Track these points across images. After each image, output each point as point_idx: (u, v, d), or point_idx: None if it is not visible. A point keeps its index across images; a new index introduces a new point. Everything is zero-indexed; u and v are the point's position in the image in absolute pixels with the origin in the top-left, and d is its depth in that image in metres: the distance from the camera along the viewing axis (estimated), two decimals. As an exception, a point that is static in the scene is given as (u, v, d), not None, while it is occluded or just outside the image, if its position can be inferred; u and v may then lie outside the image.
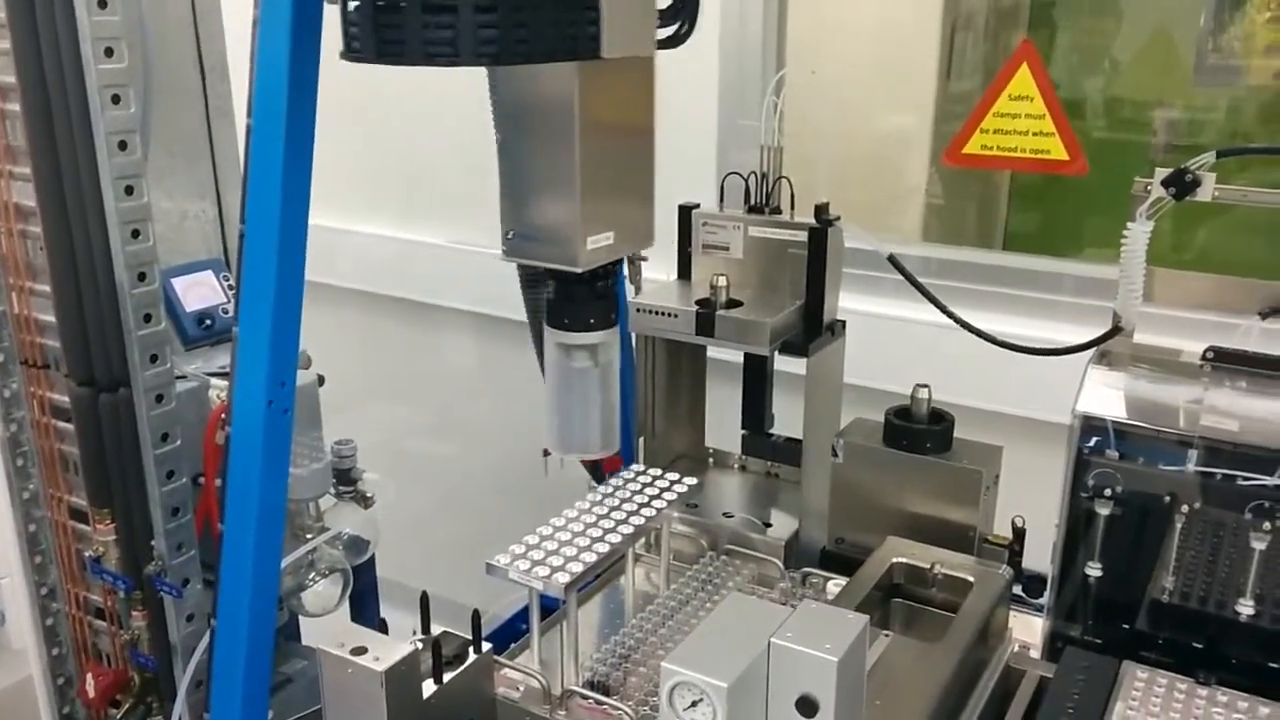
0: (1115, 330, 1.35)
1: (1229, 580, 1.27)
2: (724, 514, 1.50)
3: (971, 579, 1.31)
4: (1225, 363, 1.30)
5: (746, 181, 1.58)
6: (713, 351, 1.64)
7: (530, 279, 1.75)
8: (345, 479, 1.59)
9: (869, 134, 2.43)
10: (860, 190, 2.38)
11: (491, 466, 2.55)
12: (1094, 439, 1.29)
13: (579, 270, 1.10)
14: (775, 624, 0.92)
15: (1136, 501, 1.29)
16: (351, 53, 0.96)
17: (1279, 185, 1.29)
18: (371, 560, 1.61)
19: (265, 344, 1.07)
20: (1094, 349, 1.36)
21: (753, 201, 1.58)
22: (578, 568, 1.19)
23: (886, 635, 1.21)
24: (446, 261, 2.48)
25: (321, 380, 1.52)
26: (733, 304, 1.50)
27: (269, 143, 1.00)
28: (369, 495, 1.58)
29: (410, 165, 2.53)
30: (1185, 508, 1.26)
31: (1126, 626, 1.34)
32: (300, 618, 1.65)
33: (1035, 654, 1.38)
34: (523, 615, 1.41)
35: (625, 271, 1.71)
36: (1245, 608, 1.26)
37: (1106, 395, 1.31)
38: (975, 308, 1.51)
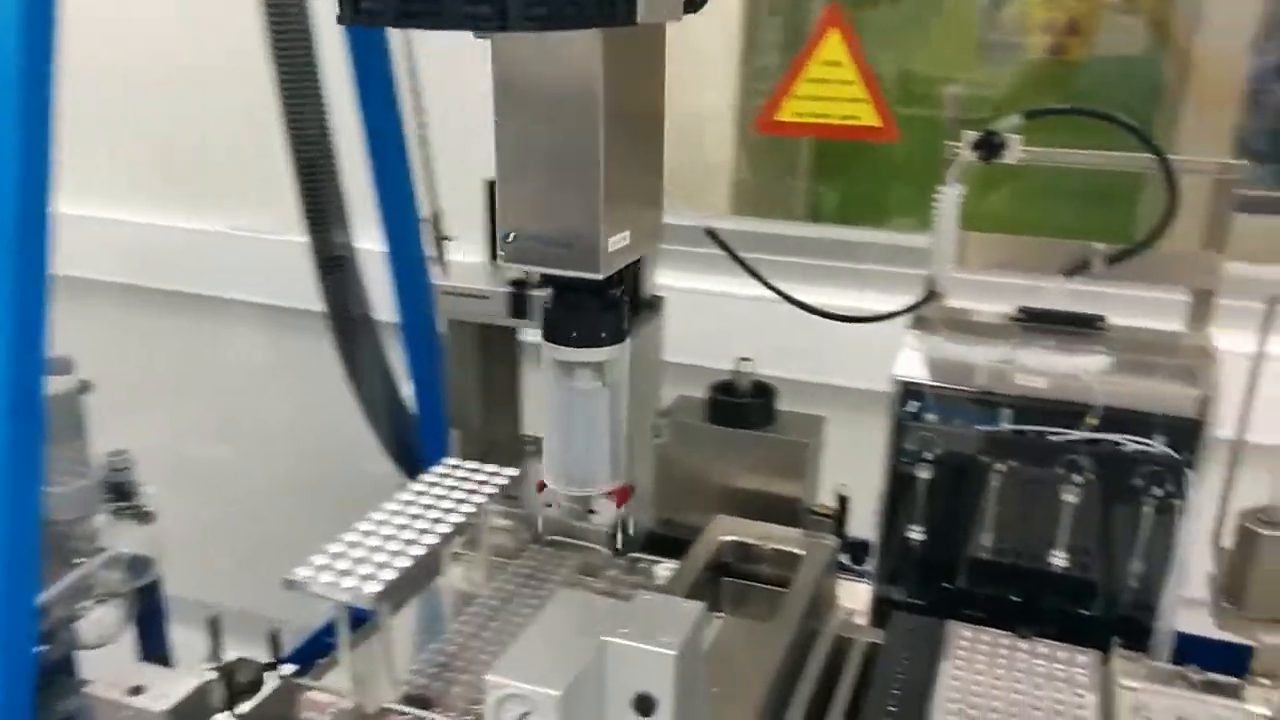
0: (930, 295, 1.36)
1: (1043, 534, 1.30)
2: (545, 504, 1.42)
3: (800, 552, 1.29)
4: (1034, 322, 1.33)
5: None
6: (527, 334, 1.56)
7: (328, 264, 1.62)
8: (121, 493, 1.42)
9: (673, 109, 2.39)
10: (669, 162, 2.34)
11: (291, 470, 2.38)
12: (912, 404, 1.29)
13: (599, 277, 0.95)
14: (606, 621, 0.86)
15: (954, 463, 1.29)
16: (360, 14, 0.82)
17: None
18: (155, 582, 1.45)
19: (5, 348, 0.92)
20: (910, 315, 1.36)
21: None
22: (389, 575, 1.08)
23: (719, 617, 1.17)
24: (228, 250, 2.29)
25: (86, 387, 1.34)
26: (545, 285, 1.41)
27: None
28: (149, 510, 1.42)
29: (180, 145, 2.32)
30: (1001, 466, 1.28)
31: (949, 587, 1.35)
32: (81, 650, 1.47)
33: (863, 621, 1.38)
34: (332, 628, 1.29)
35: (432, 253, 1.61)
36: (1059, 559, 1.29)
37: (923, 360, 1.31)
38: (789, 279, 1.49)
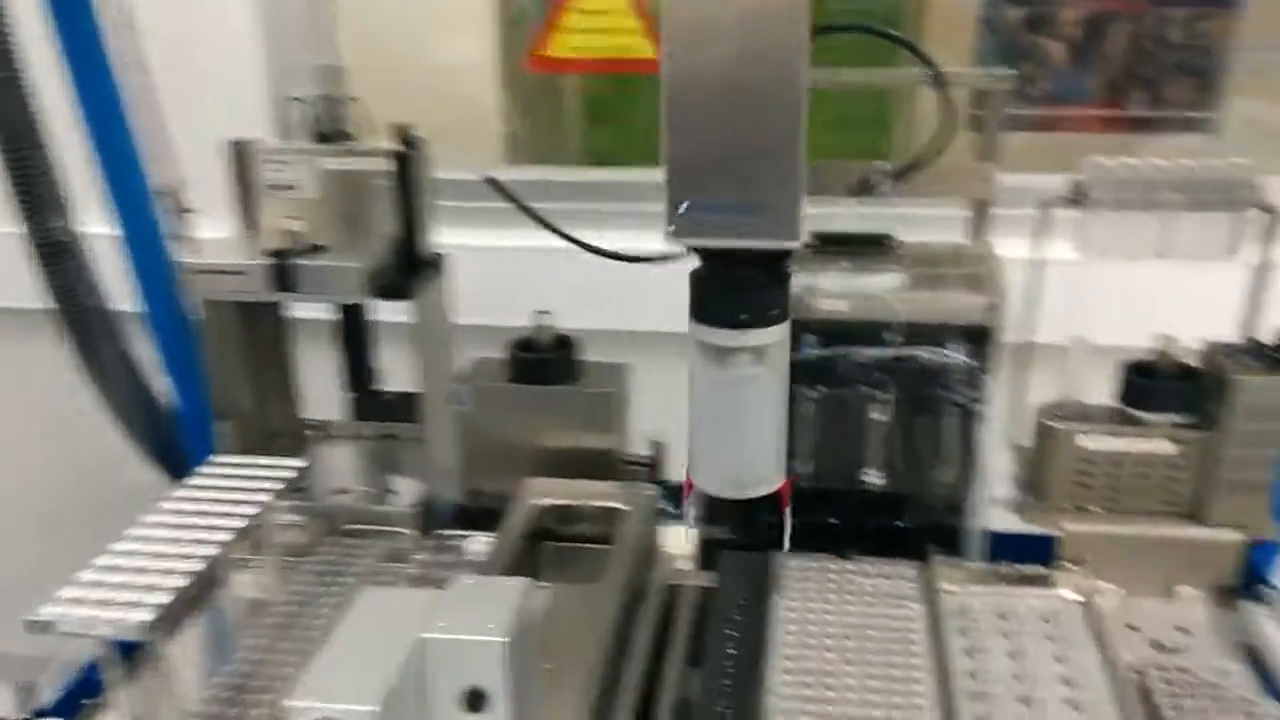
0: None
1: (856, 455, 1.30)
2: (337, 491, 1.30)
3: (620, 506, 1.23)
4: (828, 246, 1.32)
5: (310, 107, 1.35)
6: (297, 309, 1.41)
7: (49, 253, 1.40)
8: None
9: (431, 60, 2.26)
10: (432, 117, 2.21)
11: (37, 491, 2.11)
12: (717, 339, 1.25)
13: (798, 245, 0.84)
14: (419, 615, 0.76)
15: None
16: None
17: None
18: None
19: None
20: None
21: (321, 129, 1.35)
22: (160, 598, 0.94)
23: (544, 587, 1.09)
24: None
25: None
26: (312, 251, 1.28)
27: None
28: None
29: None
30: (811, 392, 1.26)
31: (771, 520, 1.33)
32: None
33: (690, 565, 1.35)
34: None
35: (173, 229, 1.43)
36: (873, 477, 1.29)
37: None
38: (574, 227, 1.41)
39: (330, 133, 1.32)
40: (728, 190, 0.82)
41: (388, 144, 1.27)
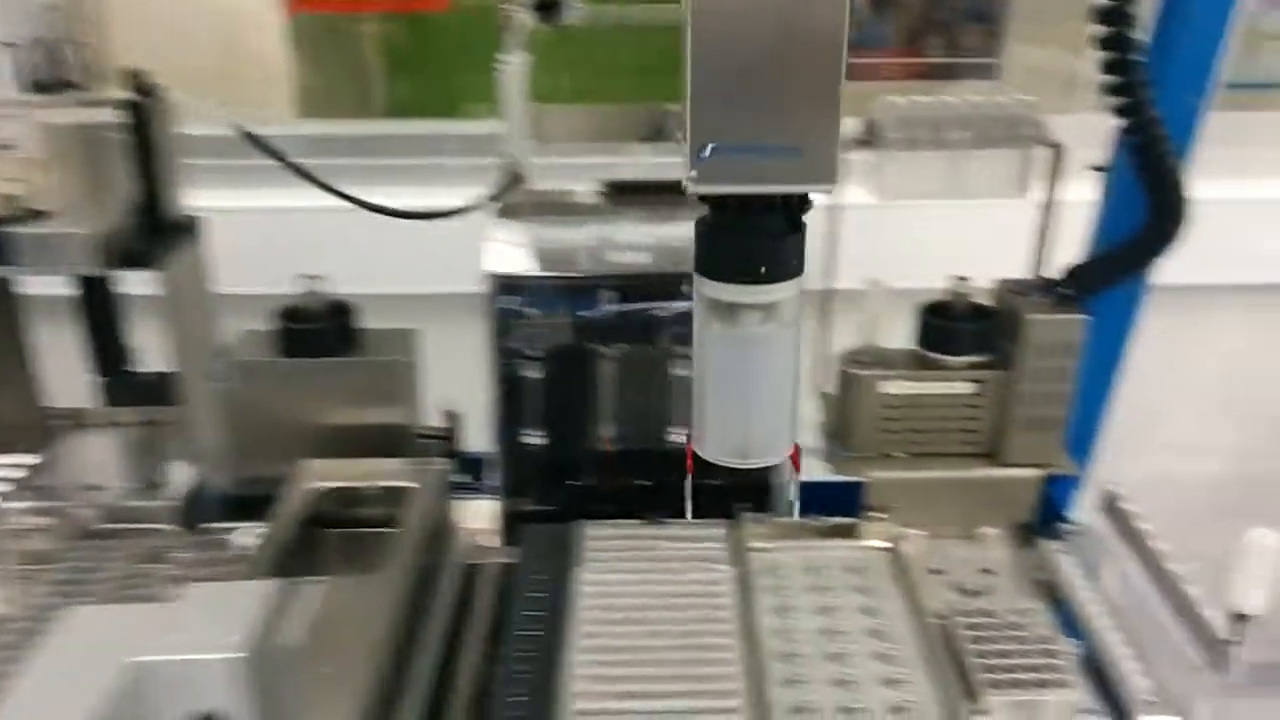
0: (512, 179, 1.22)
1: (661, 413, 1.24)
2: (89, 487, 1.15)
3: (408, 484, 1.14)
4: (621, 194, 1.24)
5: (26, 52, 1.17)
6: (33, 285, 1.24)
7: None
8: None
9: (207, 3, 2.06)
10: (222, 69, 2.02)
11: None
12: (507, 299, 1.17)
13: (831, 189, 0.76)
14: (139, 634, 0.66)
15: (562, 355, 1.20)
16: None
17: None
18: None
19: None
20: (495, 205, 1.22)
21: (39, 77, 1.18)
22: None
23: (318, 582, 0.99)
24: None
25: None
26: (35, 217, 1.12)
27: None
28: None
29: None
30: (611, 351, 1.19)
31: (577, 487, 1.27)
32: None
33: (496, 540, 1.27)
34: None
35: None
36: (680, 435, 1.24)
37: (514, 251, 1.18)
38: (364, 183, 1.29)
39: (49, 81, 1.15)
40: (759, 131, 0.74)
41: (119, 93, 1.12)
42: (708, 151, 0.75)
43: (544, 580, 1.10)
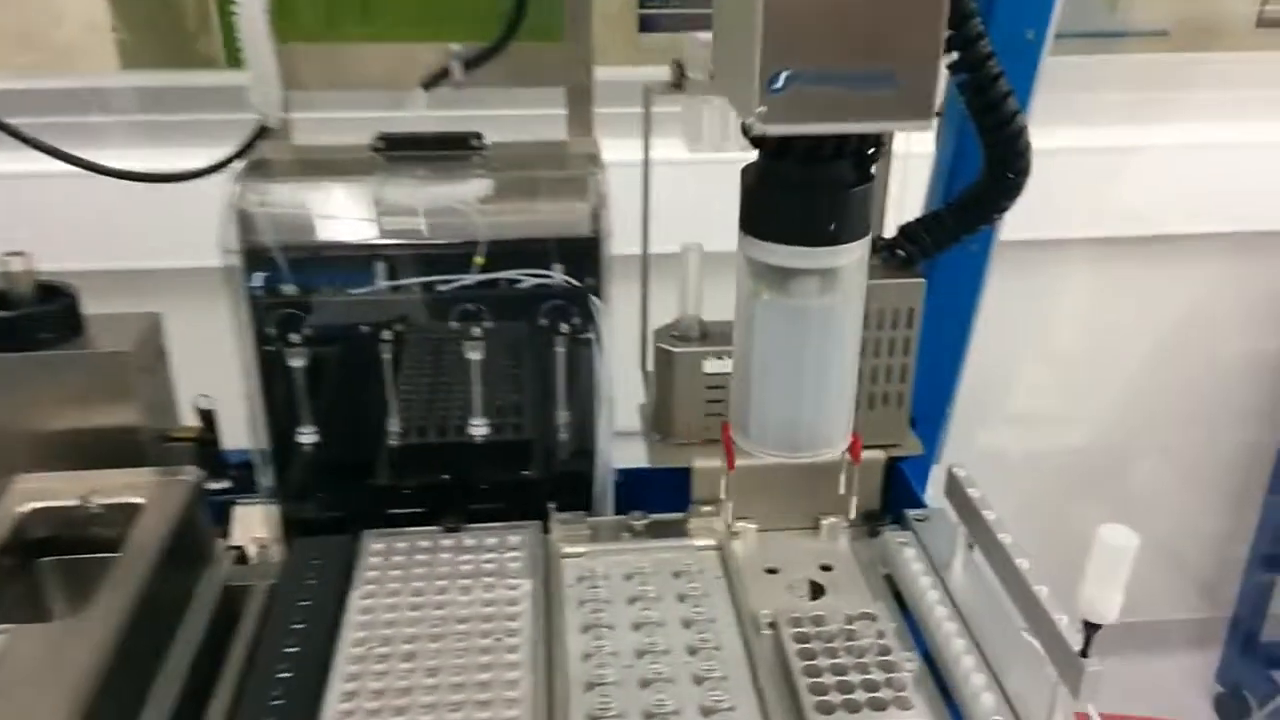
0: (261, 132, 1.03)
1: (457, 402, 1.08)
2: None
3: (139, 500, 0.94)
4: (398, 150, 1.07)
5: None
6: None
7: None
8: None
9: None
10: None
11: None
12: (263, 274, 0.99)
13: (930, 127, 0.62)
14: None
15: (333, 338, 1.02)
16: None
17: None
18: None
19: None
20: (244, 164, 1.03)
21: None
22: None
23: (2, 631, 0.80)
24: None
25: None
26: None
27: None
28: None
29: None
30: (388, 332, 1.02)
31: (366, 490, 1.10)
32: None
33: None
34: None
35: None
36: (479, 428, 1.08)
37: (267, 217, 0.99)
38: (96, 145, 1.08)
39: None
40: (847, 54, 0.60)
41: None
42: (781, 80, 0.60)
43: (307, 606, 0.93)
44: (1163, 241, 1.87)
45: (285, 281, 0.99)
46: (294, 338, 1.00)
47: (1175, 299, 1.95)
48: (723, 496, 1.01)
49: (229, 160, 1.00)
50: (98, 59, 1.90)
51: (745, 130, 0.65)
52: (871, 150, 0.68)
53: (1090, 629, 0.78)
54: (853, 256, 0.70)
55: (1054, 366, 1.98)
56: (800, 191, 0.68)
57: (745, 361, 0.75)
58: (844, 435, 0.77)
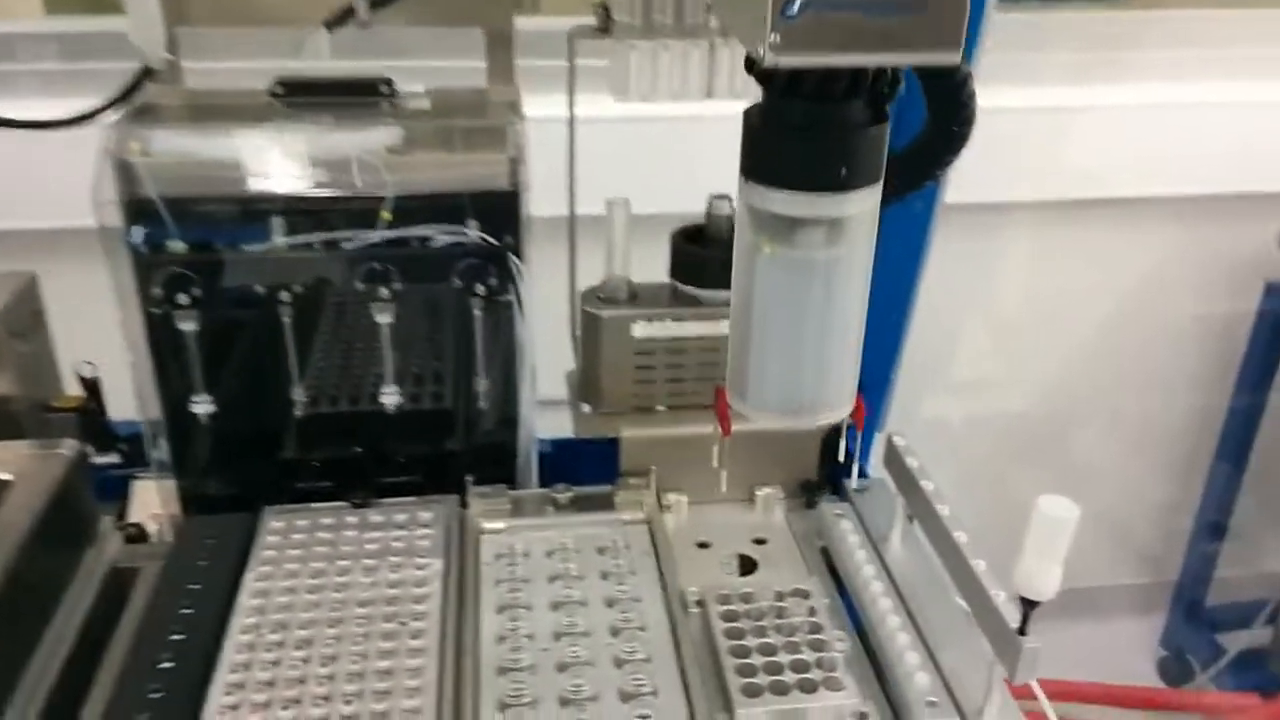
0: (145, 74, 0.94)
1: (367, 368, 1.01)
2: None
3: (7, 476, 0.87)
4: (299, 96, 0.98)
5: None
6: None
7: None
8: None
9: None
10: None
11: None
12: (145, 231, 0.90)
13: (957, 60, 0.55)
14: None
15: (227, 300, 0.94)
16: None
17: None
18: None
19: None
20: (123, 110, 0.94)
21: None
22: None
23: None
24: None
25: None
26: None
27: None
28: None
29: None
30: (287, 294, 0.94)
31: (270, 463, 1.02)
32: None
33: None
34: None
35: None
36: (390, 396, 1.01)
37: (149, 166, 0.90)
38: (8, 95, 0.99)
39: None
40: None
41: None
42: (797, 6, 0.54)
43: (196, 590, 0.86)
44: (1110, 205, 1.83)
45: (171, 237, 0.91)
46: (183, 299, 0.92)
47: (1122, 264, 1.92)
48: (715, 464, 0.94)
49: (107, 106, 0.91)
50: (24, 3, 1.79)
51: (750, 65, 0.60)
52: (887, 88, 0.62)
53: (1028, 605, 0.73)
54: (861, 205, 0.65)
55: (999, 332, 1.95)
56: (809, 132, 0.62)
57: (744, 320, 0.70)
58: (849, 397, 0.72)
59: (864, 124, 0.63)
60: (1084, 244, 1.89)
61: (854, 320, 0.69)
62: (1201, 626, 2.14)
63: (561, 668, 0.82)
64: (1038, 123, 1.70)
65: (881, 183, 0.66)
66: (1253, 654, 2.00)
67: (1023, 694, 0.80)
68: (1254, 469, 2.02)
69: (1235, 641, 2.01)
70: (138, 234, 0.90)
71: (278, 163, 0.92)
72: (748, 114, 0.65)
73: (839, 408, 0.71)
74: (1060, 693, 1.66)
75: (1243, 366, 1.95)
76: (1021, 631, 0.73)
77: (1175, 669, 2.17)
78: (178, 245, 0.91)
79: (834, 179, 0.63)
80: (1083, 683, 1.99)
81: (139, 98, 0.94)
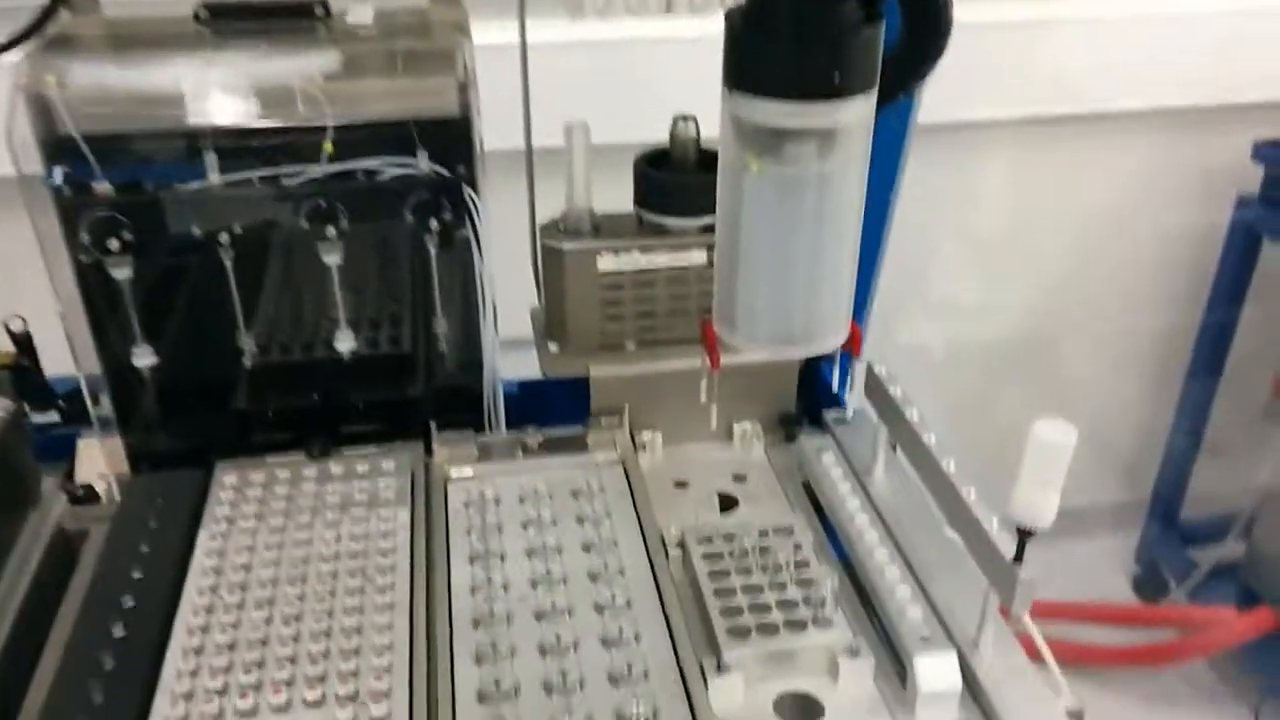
0: (59, 2, 0.87)
1: (317, 313, 0.95)
2: None
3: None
4: (226, 20, 0.91)
5: None
6: None
7: None
8: None
9: None
10: None
11: None
12: (68, 172, 0.84)
13: None
14: None
15: (164, 245, 0.88)
16: None
17: None
18: None
19: None
20: (34, 38, 0.86)
21: None
22: None
23: None
24: None
25: None
26: None
27: None
28: None
29: None
30: (229, 235, 0.88)
31: (222, 416, 0.97)
32: None
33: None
34: None
35: None
36: (345, 341, 0.96)
37: (73, 102, 0.84)
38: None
39: None
40: None
41: None
42: None
43: (146, 552, 0.81)
44: (1085, 121, 1.79)
45: (96, 178, 0.84)
46: (114, 245, 0.86)
47: (1097, 180, 1.88)
48: (703, 400, 0.89)
49: (19, 39, 0.84)
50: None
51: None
52: None
53: (1024, 535, 0.70)
54: (854, 114, 0.60)
55: (976, 254, 1.91)
56: (799, 32, 0.57)
57: (731, 243, 0.65)
58: (844, 324, 0.68)
59: (857, 24, 0.58)
60: (1058, 161, 1.85)
61: (848, 241, 0.65)
62: (1176, 541, 2.15)
63: (539, 616, 0.78)
64: (1012, 38, 1.64)
65: (876, 91, 0.61)
66: (1226, 567, 2.01)
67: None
68: (1228, 380, 2.00)
69: (1210, 556, 2.02)
70: (59, 175, 0.83)
71: (209, 94, 0.85)
72: (730, 15, 0.60)
73: (834, 335, 0.67)
74: (1036, 611, 1.66)
75: (1215, 279, 1.93)
76: (1017, 560, 0.70)
77: (1149, 584, 2.18)
78: (104, 186, 0.85)
79: (822, 85, 0.57)
80: (1057, 601, 2.00)
81: (53, 28, 0.86)
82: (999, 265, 1.93)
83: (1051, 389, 2.05)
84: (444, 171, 0.88)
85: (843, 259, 0.65)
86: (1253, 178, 1.83)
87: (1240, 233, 1.88)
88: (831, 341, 0.67)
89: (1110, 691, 1.91)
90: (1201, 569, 2.01)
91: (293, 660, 0.72)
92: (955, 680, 0.73)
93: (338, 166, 0.86)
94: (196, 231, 0.87)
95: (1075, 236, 1.92)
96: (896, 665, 0.76)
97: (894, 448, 0.94)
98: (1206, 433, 2.06)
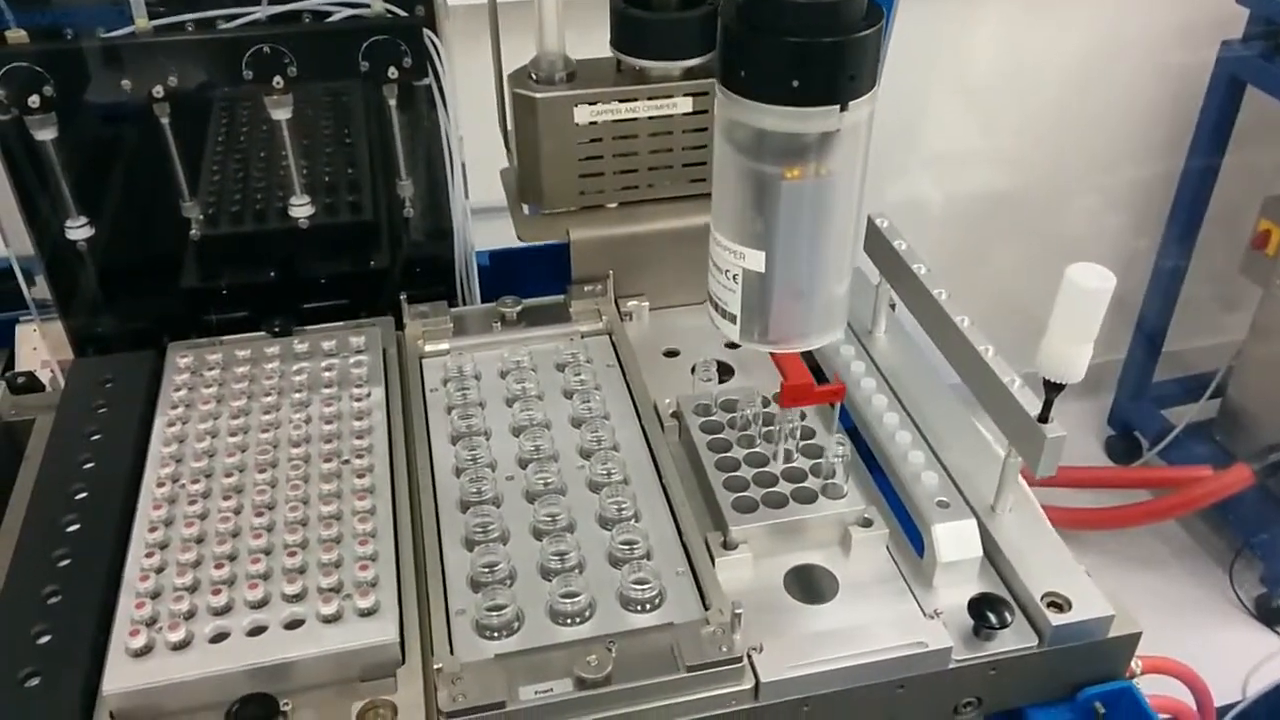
0: None
1: (270, 177, 0.87)
2: None
3: None
4: None
5: None
6: None
7: None
8: None
9: None
10: None
11: None
12: (-28, 16, 0.73)
13: None
14: None
15: (91, 103, 0.78)
16: None
17: None
18: None
19: None
20: None
21: None
22: None
23: None
24: None
25: None
26: None
27: None
28: None
29: None
30: (163, 89, 0.79)
31: (172, 294, 0.89)
32: None
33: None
34: None
35: None
36: (301, 208, 0.87)
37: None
38: None
39: None
40: None
41: None
42: None
43: (97, 440, 0.74)
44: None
45: (7, 25, 0.74)
46: (34, 102, 0.76)
47: (1084, 28, 1.80)
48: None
49: None
50: None
51: None
52: None
53: (1052, 390, 0.65)
54: (856, 116, 0.57)
55: (966, 104, 1.83)
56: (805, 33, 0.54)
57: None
58: (841, 320, 0.65)
59: (859, 26, 0.55)
60: (1046, 7, 1.76)
61: (848, 240, 0.63)
62: (1149, 402, 2.14)
63: (531, 497, 0.73)
64: None
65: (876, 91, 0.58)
66: (1199, 426, 2.01)
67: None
68: (1206, 238, 1.96)
69: (1184, 414, 2.02)
70: (-35, 25, 0.73)
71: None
72: (723, 12, 0.57)
73: (833, 332, 0.65)
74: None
75: (1197, 127, 1.87)
76: (1043, 419, 0.66)
77: (1121, 447, 2.19)
78: (18, 34, 0.74)
79: (827, 87, 0.55)
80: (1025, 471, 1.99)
81: None
82: (986, 115, 1.85)
83: (1036, 241, 1.99)
84: (400, 11, 0.79)
85: (843, 259, 0.63)
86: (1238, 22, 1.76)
87: (1224, 79, 1.81)
88: (830, 336, 0.65)
89: (1088, 555, 1.93)
90: (1176, 429, 2.01)
91: (267, 552, 0.66)
92: (976, 548, 0.69)
93: (281, 8, 0.77)
94: (126, 84, 0.78)
95: (1062, 85, 1.85)
96: (911, 534, 0.73)
97: (893, 306, 0.89)
98: (1182, 291, 2.03)
